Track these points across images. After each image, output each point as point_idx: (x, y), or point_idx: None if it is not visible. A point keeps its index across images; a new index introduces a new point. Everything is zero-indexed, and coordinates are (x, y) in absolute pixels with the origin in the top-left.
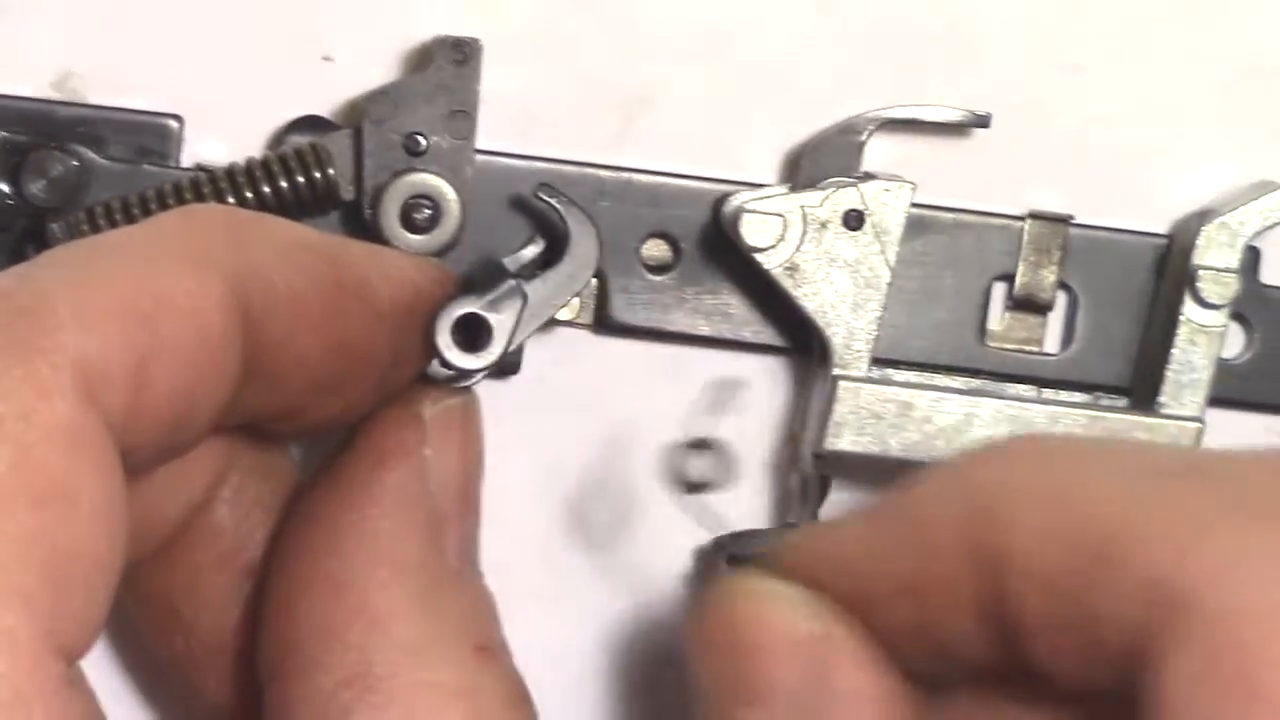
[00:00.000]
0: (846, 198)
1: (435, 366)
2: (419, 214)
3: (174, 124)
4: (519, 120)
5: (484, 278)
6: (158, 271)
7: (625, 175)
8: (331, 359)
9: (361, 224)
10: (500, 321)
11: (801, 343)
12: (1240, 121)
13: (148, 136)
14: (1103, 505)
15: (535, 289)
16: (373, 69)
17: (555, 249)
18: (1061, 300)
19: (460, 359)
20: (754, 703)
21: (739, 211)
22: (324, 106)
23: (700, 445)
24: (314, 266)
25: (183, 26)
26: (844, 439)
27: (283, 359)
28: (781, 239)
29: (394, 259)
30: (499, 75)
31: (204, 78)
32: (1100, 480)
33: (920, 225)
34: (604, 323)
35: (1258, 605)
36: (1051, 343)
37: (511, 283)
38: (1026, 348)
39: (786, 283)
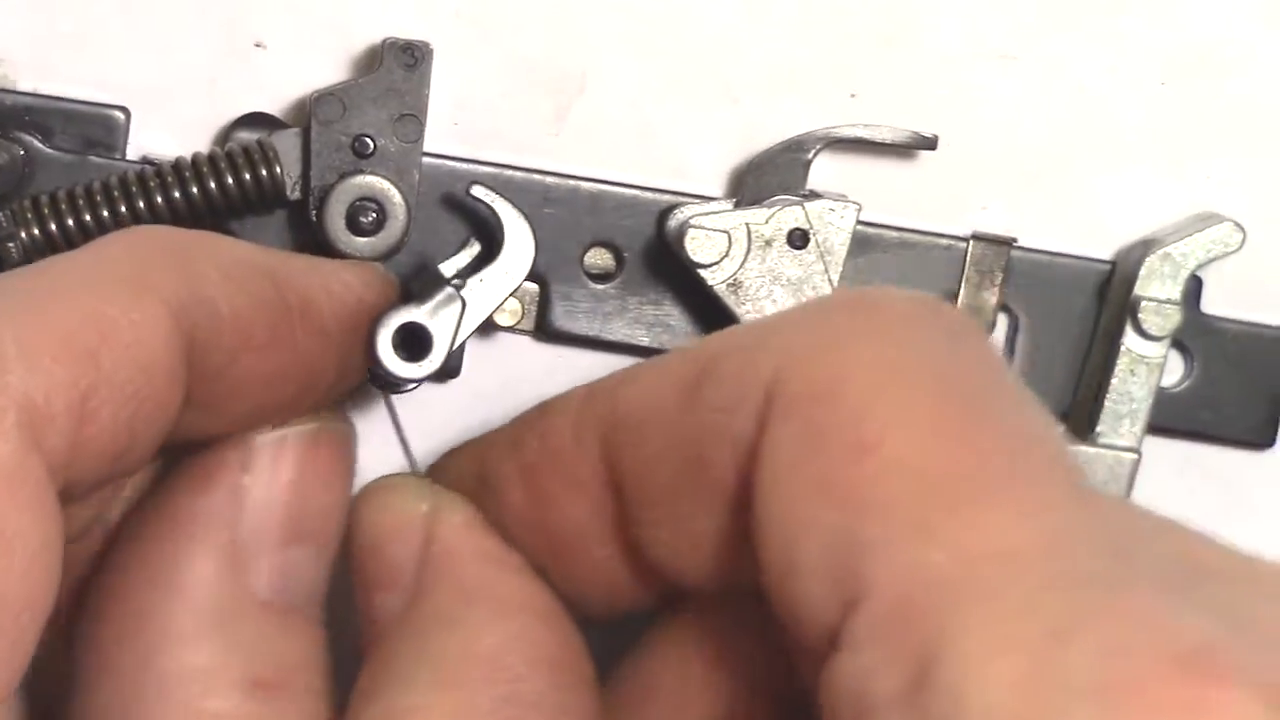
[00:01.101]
0: (792, 216)
1: (376, 374)
2: (365, 217)
3: (120, 115)
4: (452, 109)
5: (421, 285)
6: (101, 300)
7: (571, 182)
8: (275, 381)
9: (307, 224)
10: (440, 330)
11: None
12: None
13: (94, 128)
14: (703, 346)
15: (472, 291)
16: (311, 59)
17: (491, 248)
18: (1002, 323)
19: (401, 369)
20: (382, 585)
21: (684, 226)
22: (269, 100)
23: None
24: (258, 288)
25: (116, 12)
26: None
27: (225, 384)
28: (726, 255)
29: (337, 271)
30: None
31: (146, 68)
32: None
33: (864, 243)
34: (545, 329)
35: (858, 371)
36: None
37: (449, 290)
38: None
39: (729, 299)
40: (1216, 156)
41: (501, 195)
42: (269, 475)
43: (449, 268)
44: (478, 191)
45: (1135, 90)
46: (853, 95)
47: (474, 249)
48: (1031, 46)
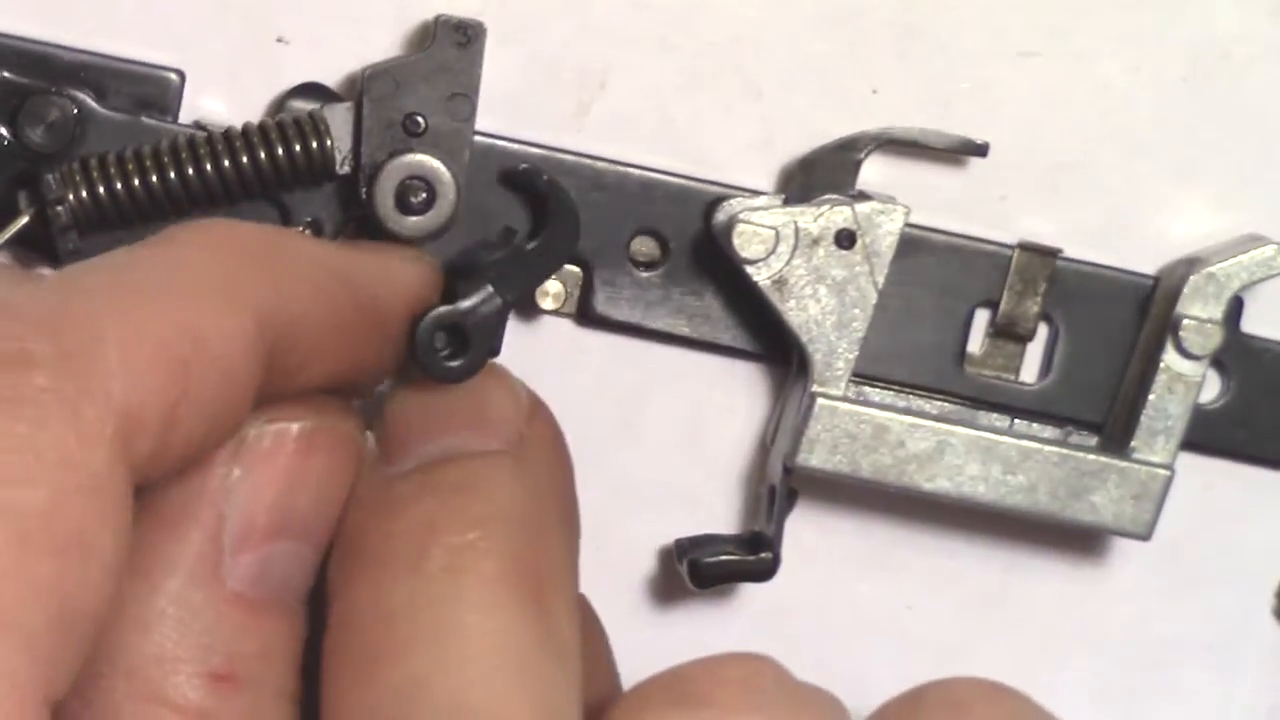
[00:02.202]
0: (840, 216)
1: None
2: (415, 196)
3: (175, 78)
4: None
5: (466, 284)
6: (194, 310)
7: (621, 169)
8: (337, 380)
9: (356, 199)
10: (480, 329)
11: (780, 353)
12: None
13: (148, 88)
14: None
15: (513, 281)
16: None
17: (538, 229)
18: (1043, 332)
19: (442, 368)
20: None
21: (733, 221)
22: (325, 73)
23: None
24: (335, 294)
25: None
26: (816, 456)
27: (291, 387)
28: (772, 252)
29: (399, 269)
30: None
31: (205, 32)
32: None
33: (910, 245)
34: (587, 314)
35: None
36: (1029, 373)
37: (488, 289)
38: (1004, 376)
39: (773, 296)
40: (1237, 154)
41: (551, 179)
42: (259, 469)
43: (489, 260)
44: (525, 177)
45: (1157, 88)
46: (874, 91)
47: (516, 238)
48: (1053, 43)
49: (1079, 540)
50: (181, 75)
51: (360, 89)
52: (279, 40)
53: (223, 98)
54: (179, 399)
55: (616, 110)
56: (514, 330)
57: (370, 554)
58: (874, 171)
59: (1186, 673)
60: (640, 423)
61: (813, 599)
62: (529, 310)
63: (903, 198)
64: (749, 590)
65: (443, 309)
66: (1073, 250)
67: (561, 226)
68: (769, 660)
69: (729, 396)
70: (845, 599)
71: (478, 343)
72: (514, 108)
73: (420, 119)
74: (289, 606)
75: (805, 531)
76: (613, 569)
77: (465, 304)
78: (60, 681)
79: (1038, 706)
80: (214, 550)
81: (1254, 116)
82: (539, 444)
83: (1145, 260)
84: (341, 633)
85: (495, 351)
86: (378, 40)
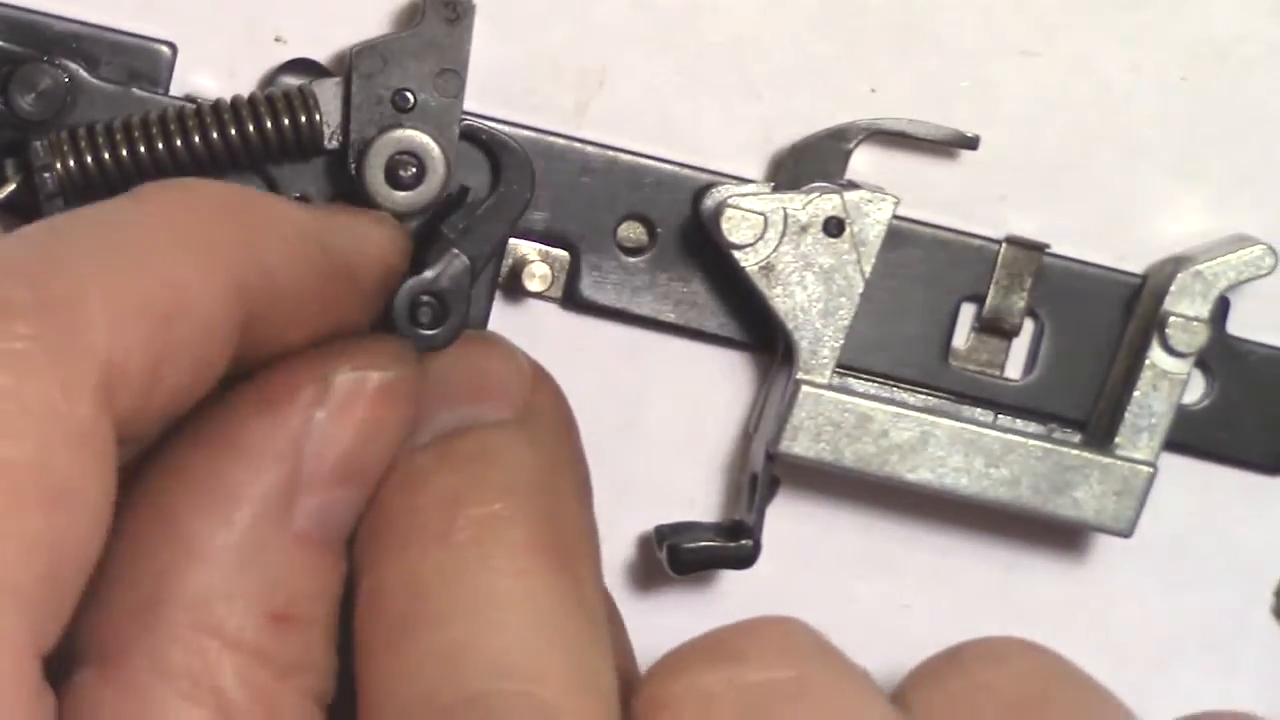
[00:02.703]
0: (829, 204)
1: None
2: (404, 171)
3: (167, 51)
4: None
5: (431, 251)
6: (177, 266)
7: (610, 154)
8: (313, 341)
9: (345, 174)
10: (452, 292)
11: (766, 342)
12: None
13: (139, 60)
14: None
15: (474, 238)
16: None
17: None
18: (1028, 327)
19: (423, 337)
20: None
21: (721, 206)
22: (317, 49)
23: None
24: (312, 257)
25: None
26: (799, 443)
27: (266, 349)
28: (760, 238)
29: (371, 234)
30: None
31: (198, 4)
32: None
33: (897, 237)
34: (573, 298)
35: None
36: (1014, 368)
37: (452, 251)
38: (988, 371)
39: (760, 282)
40: (1236, 155)
41: (494, 131)
42: (341, 414)
43: (448, 221)
44: (471, 130)
45: (1157, 87)
46: (872, 90)
47: (471, 195)
48: (1052, 42)
49: (1078, 540)
50: (173, 48)
51: (349, 65)
52: (272, 21)
53: (213, 72)
54: (161, 353)
55: (615, 109)
56: (499, 312)
57: (398, 529)
58: (866, 163)
59: (1185, 673)
60: (623, 410)
61: (811, 598)
62: (515, 292)
63: (894, 188)
64: (746, 588)
65: (412, 280)
66: (1060, 247)
67: (513, 178)
68: (802, 621)
69: (713, 384)
70: (843, 598)
71: (454, 305)
72: (512, 105)
73: (409, 95)
74: (342, 552)
75: (803, 530)
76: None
77: (431, 271)
78: (50, 635)
79: (1072, 663)
80: (289, 488)
81: (1254, 117)
82: (545, 411)
83: (1132, 259)
84: (374, 604)
85: (483, 322)
86: (369, 17)
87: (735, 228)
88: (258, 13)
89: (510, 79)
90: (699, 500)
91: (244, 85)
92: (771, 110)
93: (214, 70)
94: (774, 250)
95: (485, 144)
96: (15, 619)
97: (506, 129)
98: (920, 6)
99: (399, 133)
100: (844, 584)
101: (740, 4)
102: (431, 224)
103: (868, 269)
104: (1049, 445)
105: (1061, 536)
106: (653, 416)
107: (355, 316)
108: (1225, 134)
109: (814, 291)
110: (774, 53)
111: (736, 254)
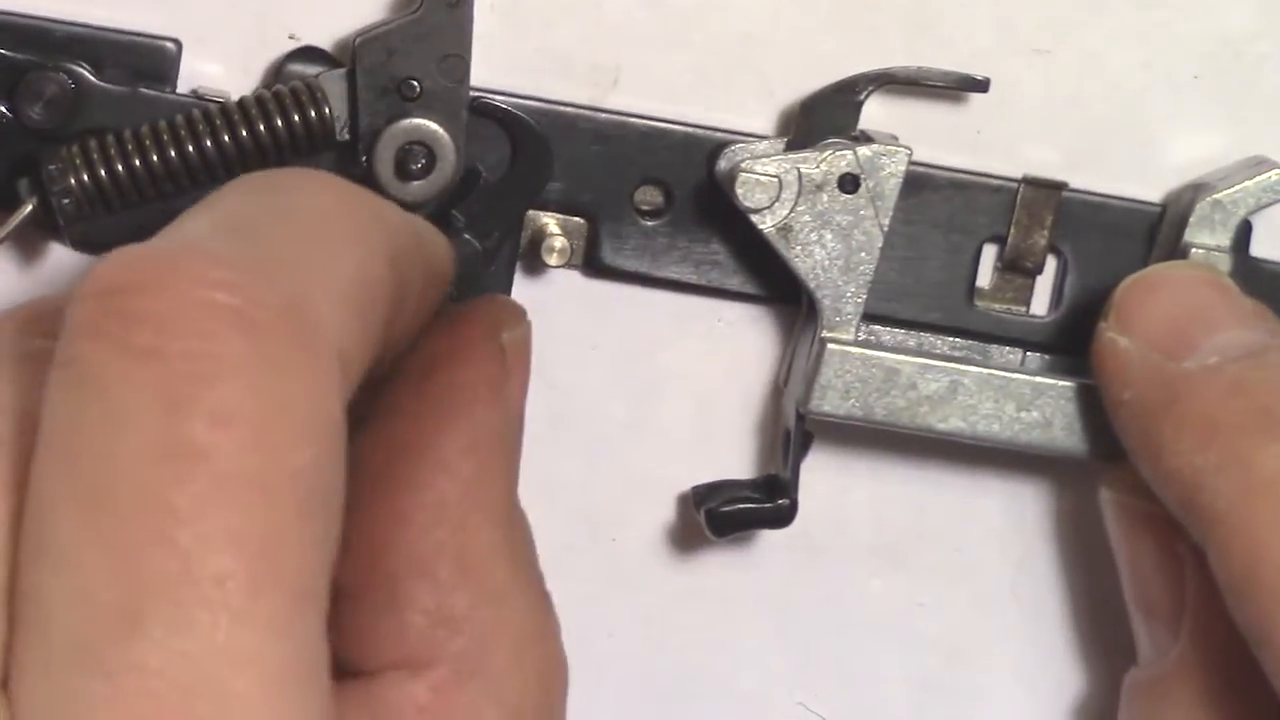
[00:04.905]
0: (843, 160)
1: None
2: (414, 161)
3: (171, 47)
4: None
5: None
6: (363, 257)
7: (620, 119)
8: (401, 340)
9: (357, 166)
10: (465, 279)
11: (791, 294)
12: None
13: (145, 59)
14: None
15: (488, 223)
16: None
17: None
18: (1051, 264)
19: None
20: None
21: (735, 170)
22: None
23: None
24: (414, 250)
25: None
26: (829, 402)
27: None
28: (776, 200)
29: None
30: None
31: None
32: None
33: (914, 184)
34: (594, 265)
35: None
36: (1040, 305)
37: (464, 237)
38: (1014, 309)
39: (779, 243)
40: (1249, 151)
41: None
42: (518, 380)
43: (459, 207)
44: (486, 103)
45: (1169, 85)
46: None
47: (482, 180)
48: (1064, 40)
49: (1092, 536)
50: (178, 43)
51: (352, 57)
52: (278, 12)
53: (219, 61)
54: (369, 344)
55: (628, 107)
56: (521, 284)
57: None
58: (878, 110)
59: None
60: (651, 371)
61: (824, 595)
62: (536, 265)
63: (907, 134)
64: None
65: None
66: (1078, 182)
67: (530, 155)
68: None
69: (740, 340)
70: (857, 596)
71: (465, 290)
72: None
73: (415, 83)
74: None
75: (817, 528)
76: (632, 516)
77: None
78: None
79: None
80: (513, 470)
81: (1266, 115)
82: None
83: (1153, 187)
84: None
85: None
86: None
87: (750, 192)
88: (263, 3)
89: (522, 77)
90: (733, 456)
91: (251, 77)
92: (787, 108)
93: (220, 62)
94: (790, 211)
95: (501, 119)
96: (318, 621)
97: (520, 103)
98: (932, 5)
99: (407, 122)
100: (857, 582)
101: (753, 2)
102: (443, 209)
103: (886, 222)
104: (1078, 384)
105: (1076, 532)
106: (682, 377)
107: (432, 311)
108: (1241, 131)
109: (833, 249)
110: (787, 51)
111: (753, 217)
